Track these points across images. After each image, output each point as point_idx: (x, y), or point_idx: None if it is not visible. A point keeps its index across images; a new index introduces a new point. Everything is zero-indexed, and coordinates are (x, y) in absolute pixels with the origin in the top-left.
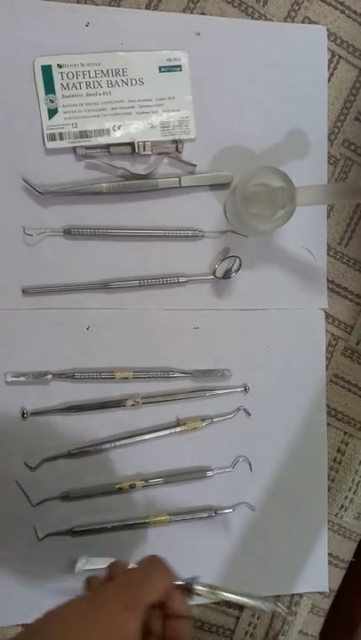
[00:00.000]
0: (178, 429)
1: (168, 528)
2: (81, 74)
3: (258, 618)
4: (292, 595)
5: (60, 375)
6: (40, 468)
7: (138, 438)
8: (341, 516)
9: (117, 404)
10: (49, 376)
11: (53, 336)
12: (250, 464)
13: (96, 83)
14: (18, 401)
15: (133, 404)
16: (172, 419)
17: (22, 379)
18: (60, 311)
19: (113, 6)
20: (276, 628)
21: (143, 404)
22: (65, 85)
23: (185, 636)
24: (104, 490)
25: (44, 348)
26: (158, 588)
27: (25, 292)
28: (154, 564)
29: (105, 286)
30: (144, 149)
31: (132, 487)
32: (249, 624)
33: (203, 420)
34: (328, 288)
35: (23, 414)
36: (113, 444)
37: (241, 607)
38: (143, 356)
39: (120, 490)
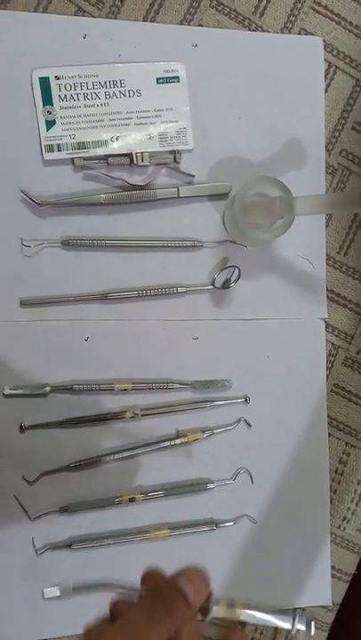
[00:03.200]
0: (178, 441)
1: (168, 542)
2: (79, 85)
3: (261, 633)
4: (295, 609)
5: (58, 387)
6: (38, 482)
7: (137, 451)
8: (344, 528)
9: (116, 416)
10: (47, 388)
11: (52, 348)
12: (251, 476)
13: (94, 94)
14: (16, 414)
15: (133, 416)
16: (172, 430)
17: (20, 391)
18: (58, 322)
19: (110, 18)
20: None
21: (143, 415)
22: (63, 97)
23: None
24: (103, 503)
25: (43, 360)
26: (170, 629)
27: (23, 303)
28: (175, 601)
29: (104, 297)
30: (142, 160)
31: (131, 500)
32: (252, 639)
33: (203, 431)
34: (328, 297)
35: (21, 427)
36: (112, 457)
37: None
38: (142, 368)
39: (120, 503)
